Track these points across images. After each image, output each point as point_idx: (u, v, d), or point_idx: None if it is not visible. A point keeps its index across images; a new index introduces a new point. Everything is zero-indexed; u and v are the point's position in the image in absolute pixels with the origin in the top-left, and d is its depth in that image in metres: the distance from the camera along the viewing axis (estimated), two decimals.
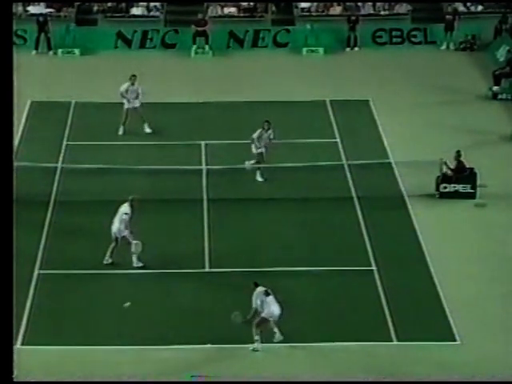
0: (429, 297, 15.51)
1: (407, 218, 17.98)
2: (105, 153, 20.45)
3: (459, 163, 18.99)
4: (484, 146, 20.66)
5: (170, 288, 16.03)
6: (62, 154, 20.66)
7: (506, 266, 16.51)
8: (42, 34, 26.82)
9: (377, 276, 16.08)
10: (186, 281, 16.19)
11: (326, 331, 14.70)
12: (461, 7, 28.24)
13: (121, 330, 14.91)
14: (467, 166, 18.98)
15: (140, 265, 16.49)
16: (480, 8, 28.44)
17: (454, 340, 14.48)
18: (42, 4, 27.82)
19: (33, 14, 27.51)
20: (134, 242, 16.33)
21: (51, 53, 26.92)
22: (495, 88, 23.91)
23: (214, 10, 28.27)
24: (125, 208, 16.47)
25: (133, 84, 21.27)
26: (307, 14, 28.40)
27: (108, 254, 16.51)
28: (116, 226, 16.41)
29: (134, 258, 16.40)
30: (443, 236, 17.48)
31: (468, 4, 28.45)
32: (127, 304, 14.62)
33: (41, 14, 27.17)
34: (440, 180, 18.99)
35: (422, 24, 27.87)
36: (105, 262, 16.56)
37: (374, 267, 16.37)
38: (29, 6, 27.82)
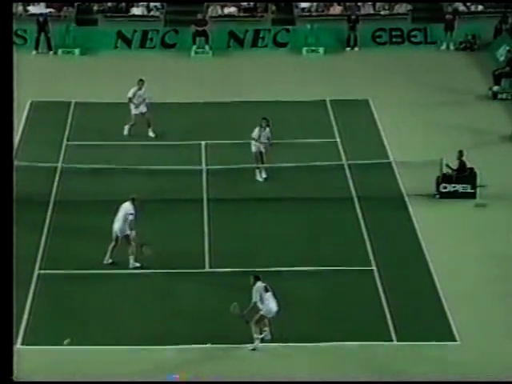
0: (428, 297, 15.49)
1: (407, 217, 17.95)
2: (105, 153, 20.39)
3: (461, 163, 18.97)
4: (484, 146, 20.61)
5: (170, 288, 15.98)
6: (61, 154, 20.62)
7: (506, 265, 16.46)
8: (42, 34, 26.79)
9: (377, 276, 16.05)
10: (186, 280, 16.14)
11: (325, 331, 14.66)
12: (461, 7, 28.20)
13: (121, 330, 14.88)
14: (468, 166, 18.95)
15: (137, 265, 16.43)
16: (480, 8, 28.41)
17: (454, 340, 14.45)
18: (41, 4, 27.79)
19: (33, 14, 27.50)
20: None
21: (51, 53, 26.89)
22: (495, 88, 23.86)
23: (214, 10, 28.22)
24: (128, 207, 16.34)
25: (140, 89, 21.22)
26: (307, 13, 28.37)
27: (108, 253, 16.45)
28: (118, 225, 16.31)
29: (131, 260, 16.32)
30: (443, 236, 17.44)
31: (468, 4, 28.41)
32: (67, 341, 14.39)
33: (41, 14, 27.14)
34: (440, 180, 18.96)
35: (422, 24, 27.84)
36: (105, 262, 16.51)
37: (373, 267, 16.34)
38: (29, 5, 27.80)
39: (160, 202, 18.43)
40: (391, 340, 14.47)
